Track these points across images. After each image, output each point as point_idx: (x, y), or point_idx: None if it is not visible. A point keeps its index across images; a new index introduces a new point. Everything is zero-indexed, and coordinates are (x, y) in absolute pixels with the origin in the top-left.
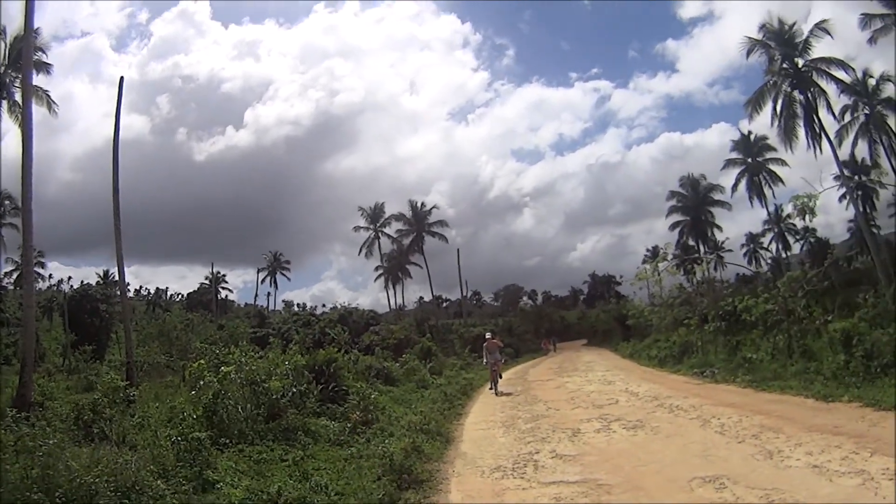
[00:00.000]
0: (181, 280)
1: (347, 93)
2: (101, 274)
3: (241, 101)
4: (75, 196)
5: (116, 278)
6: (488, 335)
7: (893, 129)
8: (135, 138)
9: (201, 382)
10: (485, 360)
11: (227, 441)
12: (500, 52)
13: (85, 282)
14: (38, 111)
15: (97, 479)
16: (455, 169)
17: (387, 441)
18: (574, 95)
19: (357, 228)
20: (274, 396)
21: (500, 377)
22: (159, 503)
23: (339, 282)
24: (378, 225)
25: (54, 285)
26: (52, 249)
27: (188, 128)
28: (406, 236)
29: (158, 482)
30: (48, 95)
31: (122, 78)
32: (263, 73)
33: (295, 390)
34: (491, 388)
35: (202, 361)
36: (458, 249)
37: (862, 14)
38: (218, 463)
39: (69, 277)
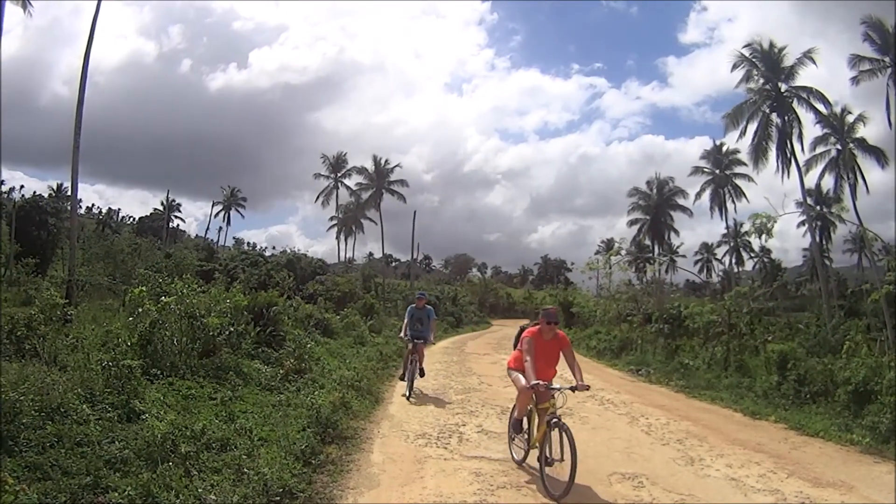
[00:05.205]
0: (143, 205)
1: (355, 51)
2: (55, 187)
3: (250, 41)
4: (63, 109)
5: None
6: (419, 295)
7: (861, 168)
8: (139, 63)
9: (140, 310)
10: (404, 332)
11: (159, 372)
12: (509, 36)
13: (37, 193)
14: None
15: (22, 397)
16: (439, 136)
17: (316, 393)
18: (569, 87)
19: (317, 176)
20: (210, 333)
21: (422, 371)
22: (82, 428)
23: (298, 228)
24: (339, 175)
25: (5, 193)
26: (27, 160)
27: (193, 60)
28: (365, 190)
29: (84, 406)
30: None
31: None
32: (278, 18)
33: (232, 329)
34: (403, 380)
35: (143, 288)
36: (414, 211)
37: (851, 54)
38: (146, 394)
39: (21, 186)
